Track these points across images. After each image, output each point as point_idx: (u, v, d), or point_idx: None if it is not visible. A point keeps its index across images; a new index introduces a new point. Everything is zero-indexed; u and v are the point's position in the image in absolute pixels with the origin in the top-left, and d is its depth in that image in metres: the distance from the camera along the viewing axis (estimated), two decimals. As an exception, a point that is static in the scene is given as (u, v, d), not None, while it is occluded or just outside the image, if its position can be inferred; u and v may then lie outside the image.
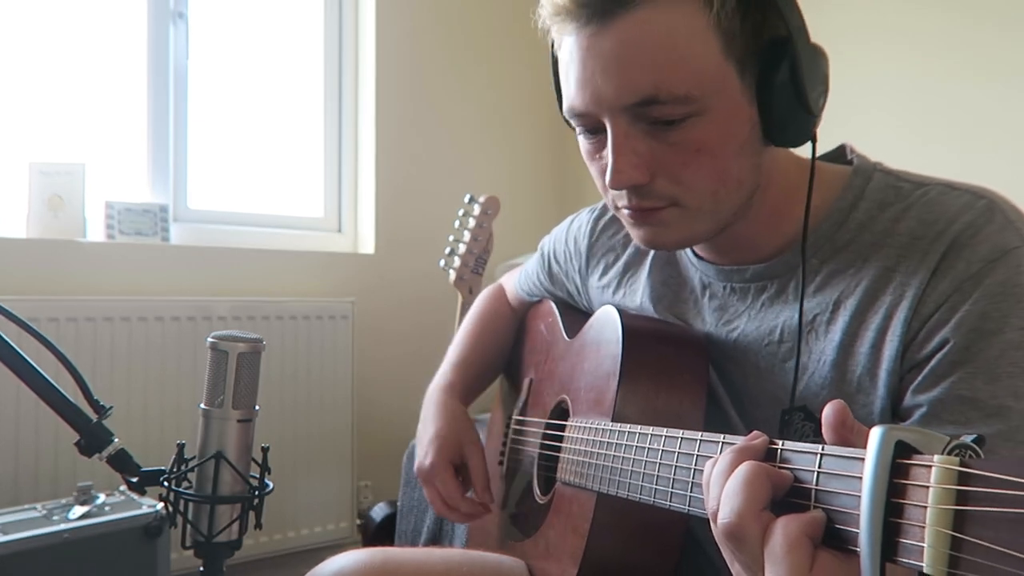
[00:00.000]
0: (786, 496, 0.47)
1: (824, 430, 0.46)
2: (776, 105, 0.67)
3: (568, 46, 0.70)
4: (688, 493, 0.60)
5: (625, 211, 0.73)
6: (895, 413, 0.68)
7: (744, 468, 0.47)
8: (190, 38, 2.24)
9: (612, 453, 0.74)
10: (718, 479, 0.49)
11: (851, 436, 0.45)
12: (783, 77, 0.66)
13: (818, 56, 0.68)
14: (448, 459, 1.02)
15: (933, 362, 0.64)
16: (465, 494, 1.02)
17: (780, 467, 0.48)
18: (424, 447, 1.05)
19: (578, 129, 0.73)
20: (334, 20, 2.56)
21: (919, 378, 0.65)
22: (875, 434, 0.40)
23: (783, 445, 0.49)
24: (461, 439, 1.04)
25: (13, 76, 2.01)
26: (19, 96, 2.03)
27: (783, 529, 0.44)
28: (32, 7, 2.03)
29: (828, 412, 0.46)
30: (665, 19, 0.65)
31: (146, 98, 2.18)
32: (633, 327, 0.83)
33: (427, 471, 1.03)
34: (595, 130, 0.71)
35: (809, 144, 0.71)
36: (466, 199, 1.97)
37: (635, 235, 0.76)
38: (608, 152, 0.69)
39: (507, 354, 1.21)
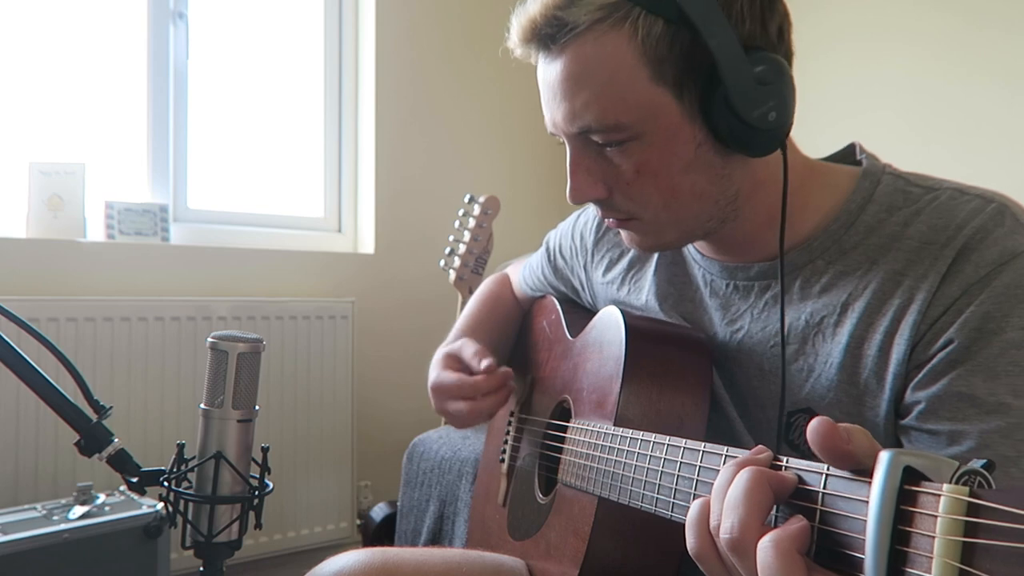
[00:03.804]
0: (791, 500, 0.46)
1: (816, 451, 0.44)
2: (718, 124, 0.68)
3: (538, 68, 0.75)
4: (690, 504, 0.60)
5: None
6: (896, 412, 0.68)
7: (743, 476, 0.46)
8: (190, 38, 2.24)
9: (614, 458, 0.74)
10: (719, 493, 0.48)
11: (845, 446, 0.42)
12: (719, 98, 0.66)
13: (771, 71, 0.67)
14: (449, 367, 1.01)
15: (934, 360, 0.64)
16: (474, 381, 0.98)
17: (785, 502, 0.46)
18: (430, 380, 1.03)
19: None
20: (334, 20, 2.56)
21: (919, 375, 0.65)
22: (883, 459, 0.39)
23: (787, 462, 0.48)
24: (454, 351, 1.03)
25: (13, 76, 2.01)
26: (19, 96, 2.03)
27: (775, 547, 0.42)
28: (32, 7, 2.03)
29: (812, 435, 0.43)
30: (592, 53, 0.68)
31: (146, 98, 2.18)
32: (636, 328, 0.83)
33: (434, 393, 1.01)
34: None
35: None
36: (466, 199, 1.97)
37: (622, 237, 0.83)
38: (567, 169, 0.74)
39: (512, 340, 1.20)
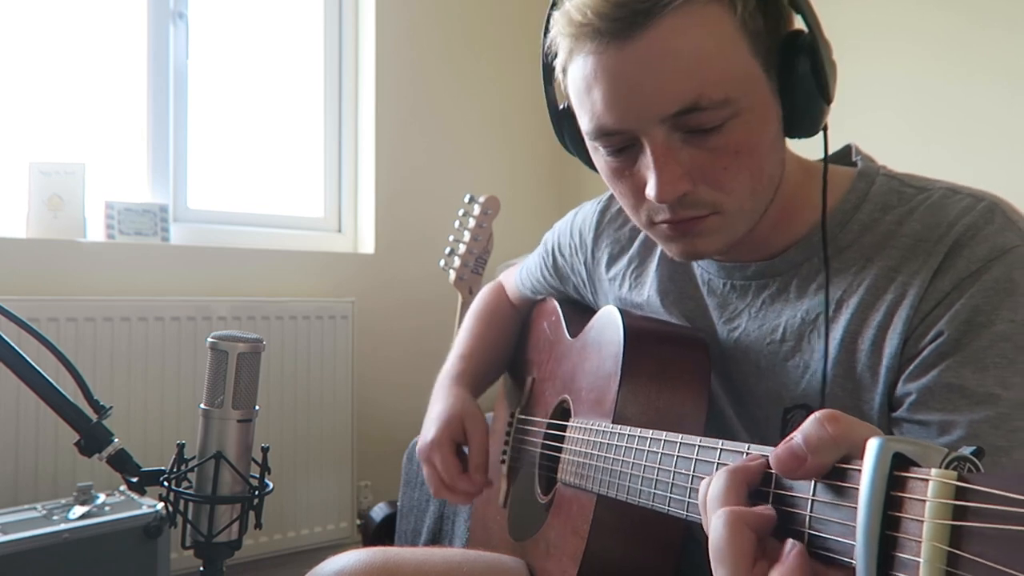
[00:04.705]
0: (783, 492, 0.46)
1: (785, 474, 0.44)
2: (798, 97, 0.69)
3: (588, 65, 0.68)
4: (686, 499, 0.60)
5: (664, 226, 0.72)
6: (890, 405, 0.69)
7: (721, 522, 0.45)
8: (190, 38, 2.24)
9: (611, 455, 0.74)
10: (713, 504, 0.48)
11: (802, 465, 0.43)
12: (804, 69, 0.67)
13: (829, 45, 0.70)
14: (450, 436, 1.01)
15: (925, 352, 0.65)
16: (463, 473, 1.00)
17: (775, 492, 0.47)
18: (427, 427, 1.04)
19: (603, 150, 0.72)
20: (334, 20, 2.56)
21: (911, 367, 0.66)
22: (872, 445, 0.39)
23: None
24: (465, 418, 1.03)
25: (13, 76, 2.01)
26: (19, 96, 2.03)
27: None
28: (32, 7, 2.03)
29: (779, 472, 0.44)
30: (694, 26, 0.65)
31: (146, 98, 2.18)
32: (634, 327, 0.83)
33: (427, 447, 1.02)
34: (622, 148, 0.70)
35: (822, 138, 0.73)
36: (466, 199, 1.97)
37: (673, 249, 0.75)
38: (650, 167, 0.68)
39: (511, 350, 1.20)
